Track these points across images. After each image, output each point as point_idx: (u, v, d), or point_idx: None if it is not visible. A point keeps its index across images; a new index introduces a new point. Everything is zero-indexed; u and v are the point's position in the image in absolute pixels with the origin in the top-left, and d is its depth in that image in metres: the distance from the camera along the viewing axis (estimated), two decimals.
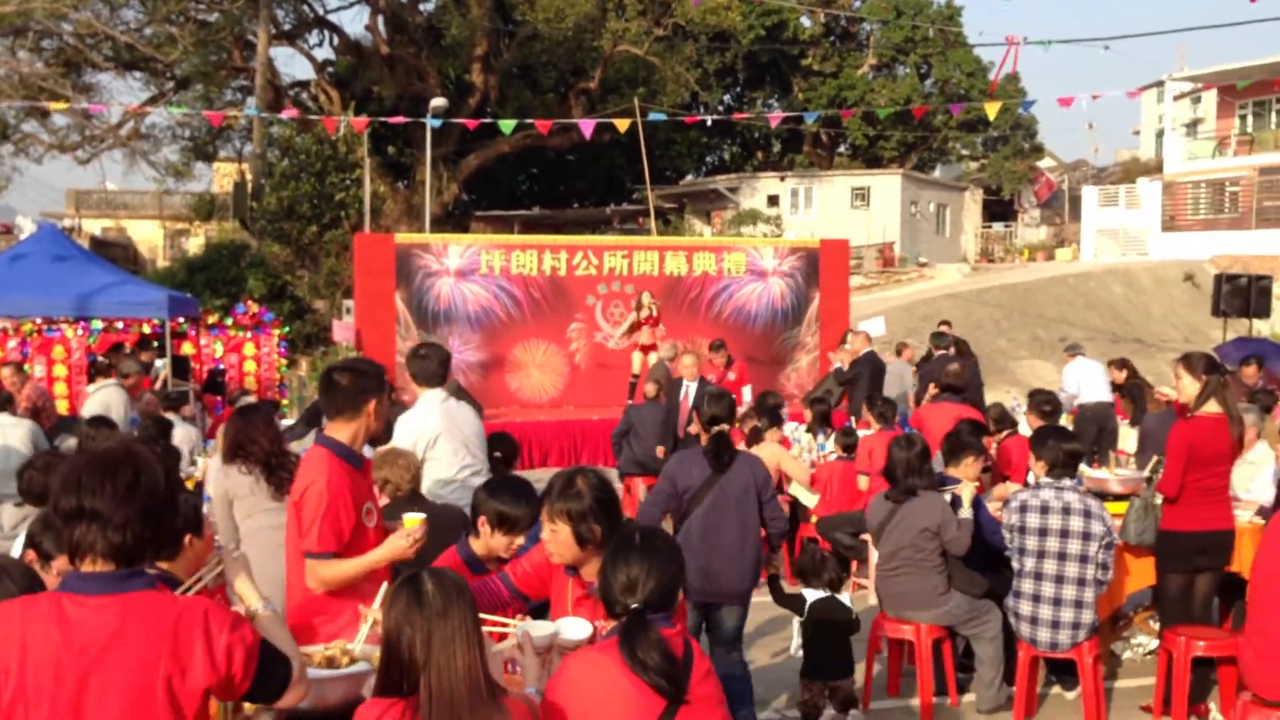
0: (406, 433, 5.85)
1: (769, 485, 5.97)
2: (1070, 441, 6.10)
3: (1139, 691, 6.53)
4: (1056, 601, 5.81)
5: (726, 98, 42.41)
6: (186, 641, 2.44)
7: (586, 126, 18.85)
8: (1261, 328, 20.53)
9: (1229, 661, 5.67)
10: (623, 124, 19.54)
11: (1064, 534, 5.78)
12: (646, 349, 15.68)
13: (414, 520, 4.05)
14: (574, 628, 3.42)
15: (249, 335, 16.64)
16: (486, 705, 2.61)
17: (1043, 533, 5.83)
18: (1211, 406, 6.14)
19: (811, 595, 6.07)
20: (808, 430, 11.16)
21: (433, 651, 2.58)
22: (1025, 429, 8.64)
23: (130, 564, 2.48)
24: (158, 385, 13.14)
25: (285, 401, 16.26)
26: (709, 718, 2.99)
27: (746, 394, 13.63)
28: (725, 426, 6.09)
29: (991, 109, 18.88)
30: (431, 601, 2.62)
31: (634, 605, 3.03)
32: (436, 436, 5.86)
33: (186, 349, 15.78)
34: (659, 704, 2.91)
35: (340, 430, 4.20)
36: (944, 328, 16.78)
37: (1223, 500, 6.20)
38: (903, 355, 16.14)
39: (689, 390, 11.38)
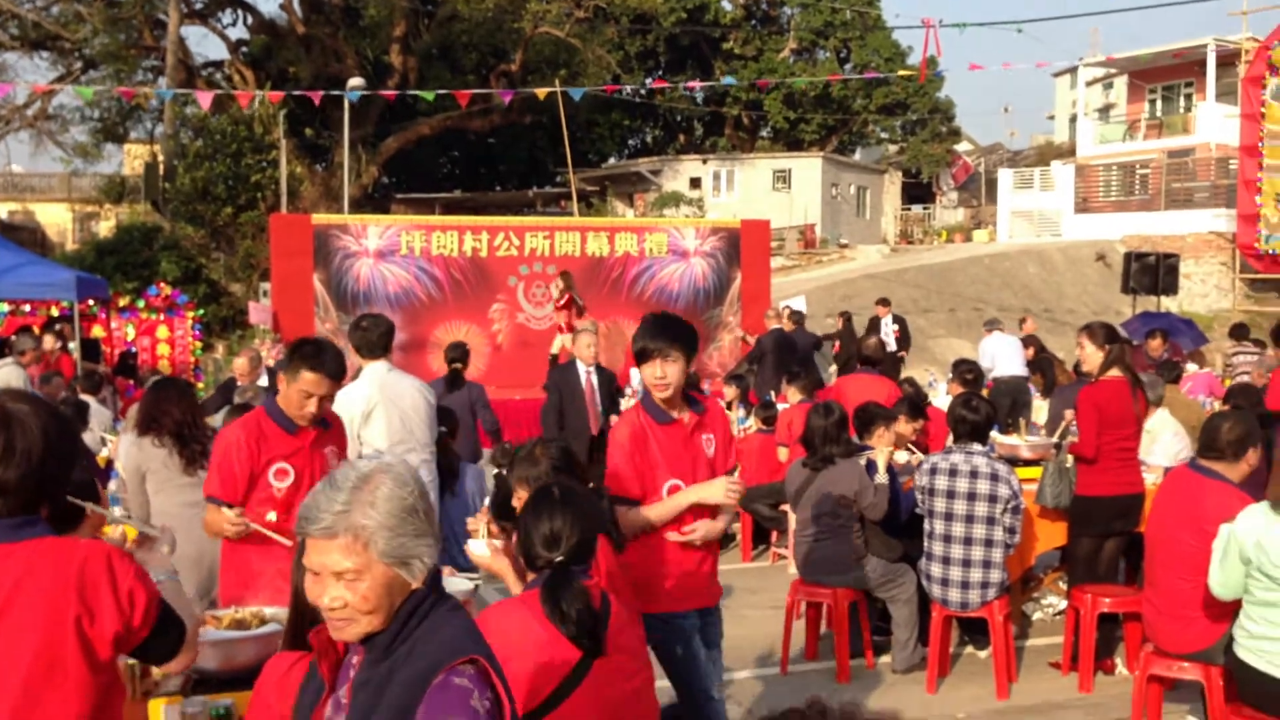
0: (342, 404, 5.76)
1: None
2: (976, 412, 6.21)
3: (1048, 649, 6.71)
4: (966, 563, 5.94)
5: (648, 80, 42.41)
6: (94, 584, 2.44)
7: (507, 96, 18.80)
8: (1169, 304, 21.08)
9: (1134, 618, 5.84)
10: (542, 92, 19.53)
11: (971, 497, 5.91)
12: (567, 328, 15.71)
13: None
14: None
15: (162, 318, 16.35)
16: None
17: (950, 495, 5.96)
18: (1114, 372, 6.32)
19: None
20: (728, 406, 11.26)
21: None
22: (945, 401, 8.78)
23: (25, 512, 2.45)
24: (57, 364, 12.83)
25: (201, 385, 16.00)
26: (625, 667, 3.03)
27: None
28: None
29: (905, 78, 19.21)
30: None
31: (558, 559, 3.05)
32: (373, 409, 5.79)
33: (97, 332, 15.44)
34: (575, 655, 2.94)
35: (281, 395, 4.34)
36: (880, 308, 17.43)
37: (1134, 465, 6.39)
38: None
39: (589, 376, 9.13)
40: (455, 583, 3.36)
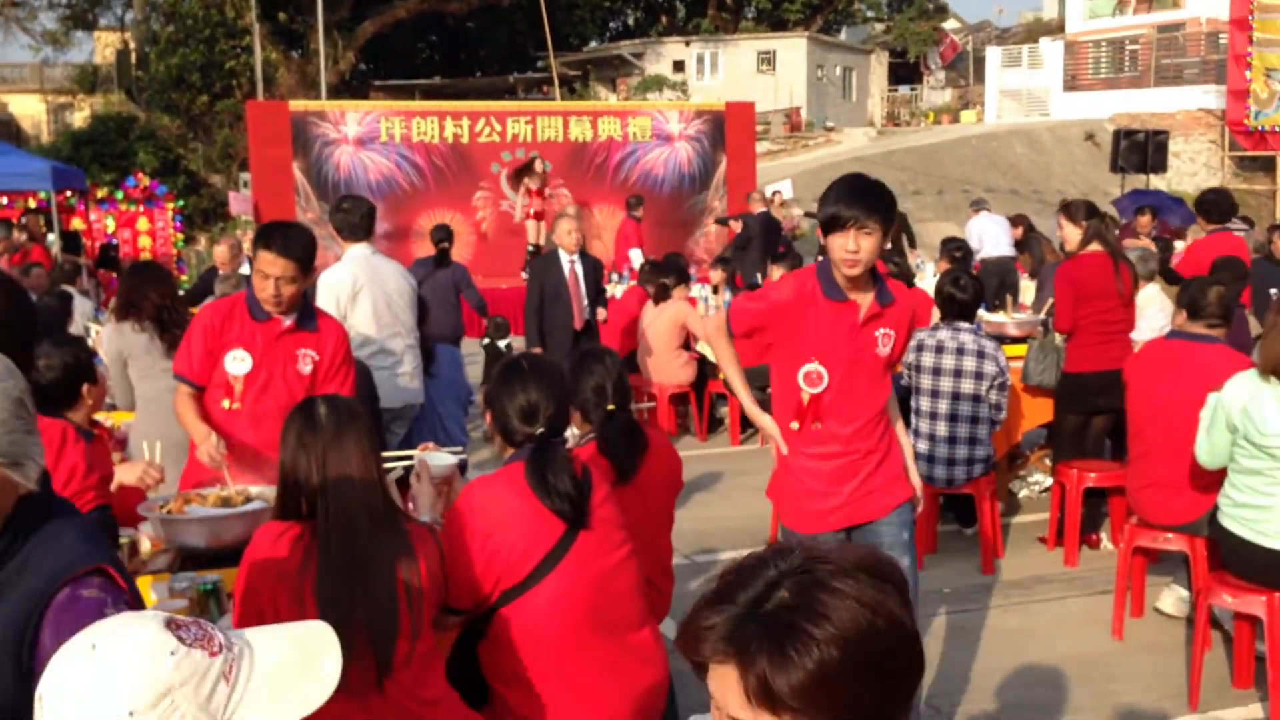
0: (326, 288, 5.63)
1: None
2: (964, 291, 6.16)
3: (1034, 525, 6.78)
4: (952, 439, 5.96)
5: None
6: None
7: None
8: (1158, 183, 20.93)
9: (1119, 493, 5.88)
10: None
11: (958, 373, 5.90)
12: (538, 216, 15.58)
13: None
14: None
15: (141, 210, 16.13)
16: (382, 528, 2.62)
17: (937, 372, 5.95)
18: (1094, 247, 6.26)
19: None
20: (714, 290, 11.20)
21: (328, 476, 2.58)
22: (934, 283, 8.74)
23: None
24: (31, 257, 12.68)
25: (184, 278, 15.85)
26: (609, 539, 3.03)
27: (636, 257, 13.71)
28: None
29: None
30: (325, 426, 2.61)
31: (538, 430, 3.03)
32: (358, 291, 5.69)
33: (76, 225, 15.24)
34: (559, 528, 2.93)
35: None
36: None
37: (1122, 341, 6.35)
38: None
39: (573, 266, 8.39)
40: (439, 457, 3.34)
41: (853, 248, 3.42)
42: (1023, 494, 7.53)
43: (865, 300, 3.58)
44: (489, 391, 3.13)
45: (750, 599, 1.29)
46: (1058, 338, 6.46)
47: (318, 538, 2.59)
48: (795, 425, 3.64)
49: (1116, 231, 12.73)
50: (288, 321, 4.14)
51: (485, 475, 3.04)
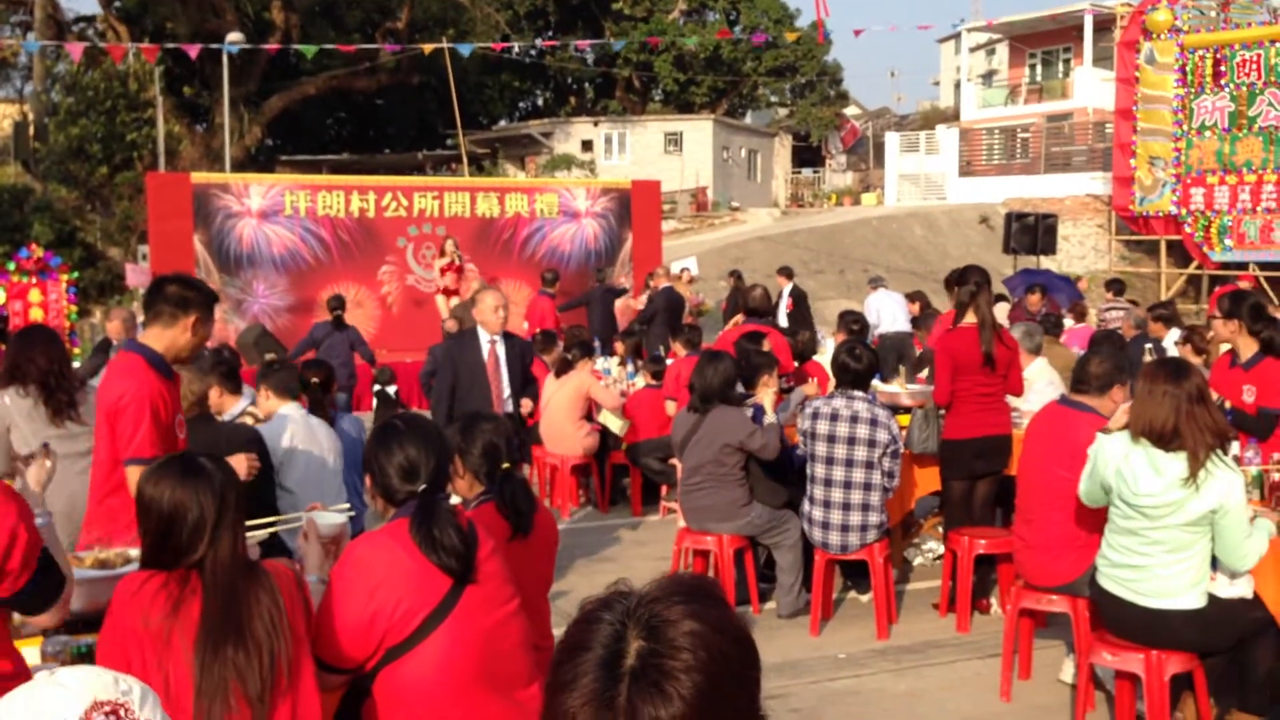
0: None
1: None
2: (859, 360, 6.29)
3: (928, 592, 6.89)
4: (846, 506, 6.05)
5: (538, 40, 42.08)
6: None
7: (392, 49, 18.50)
8: (1048, 264, 21.64)
9: (1008, 559, 6.02)
10: (429, 48, 19.28)
11: (851, 441, 6.02)
12: (450, 292, 15.58)
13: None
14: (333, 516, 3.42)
15: (34, 281, 15.77)
16: (254, 575, 2.64)
17: (831, 439, 6.06)
18: (970, 318, 6.44)
19: None
20: (620, 363, 11.28)
21: (219, 534, 2.59)
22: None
23: None
24: None
25: (78, 351, 15.49)
26: (497, 594, 3.03)
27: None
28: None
29: (794, 41, 19.31)
30: (216, 488, 2.62)
31: (421, 487, 3.03)
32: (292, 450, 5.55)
33: None
34: (445, 583, 2.93)
35: (155, 339, 4.10)
36: (780, 278, 16.36)
37: (997, 408, 6.52)
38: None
39: (494, 347, 7.51)
40: (327, 516, 3.32)
41: None
42: (917, 561, 7.66)
43: None
44: (366, 453, 3.14)
45: (605, 659, 1.36)
46: (938, 408, 6.63)
47: (187, 588, 2.59)
48: None
49: (1008, 307, 13.14)
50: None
51: (369, 531, 3.03)
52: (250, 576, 2.67)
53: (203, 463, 2.70)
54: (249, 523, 3.16)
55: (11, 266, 15.68)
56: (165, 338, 4.10)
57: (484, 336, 7.50)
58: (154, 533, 2.65)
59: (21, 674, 2.63)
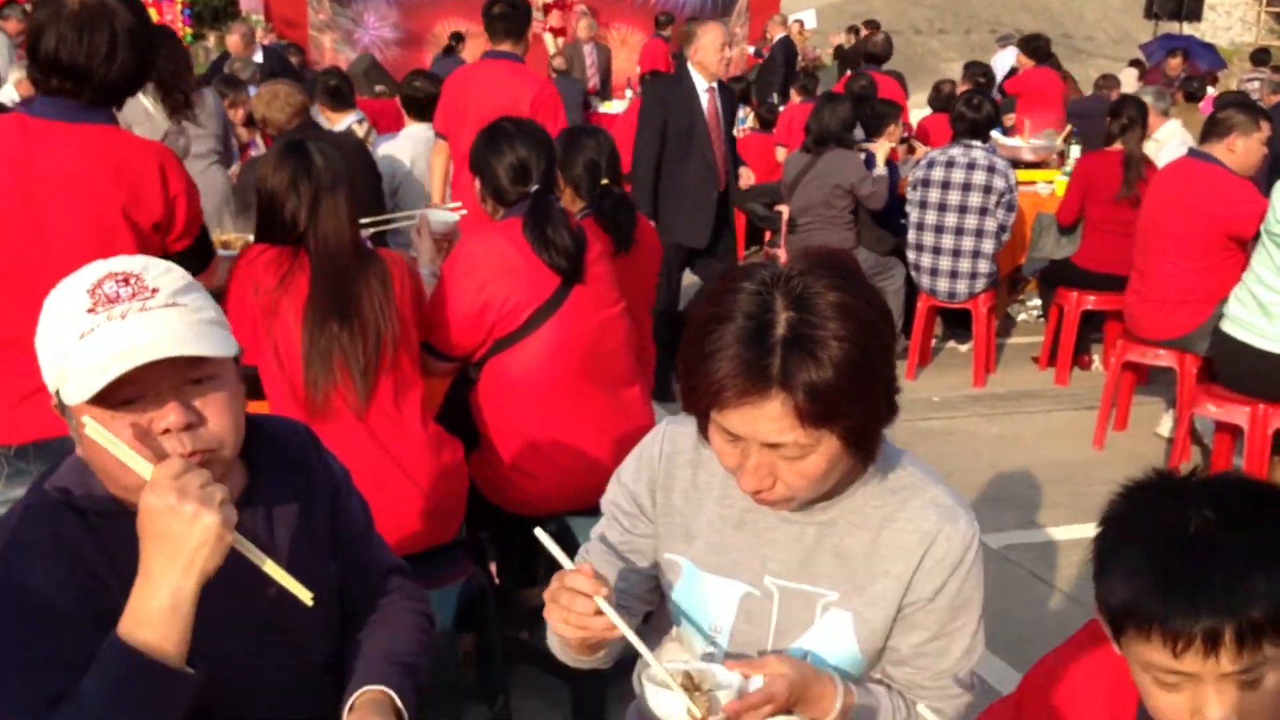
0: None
1: None
2: (977, 110, 6.05)
3: (1029, 347, 6.84)
4: (956, 253, 5.95)
5: None
6: (137, 176, 2.52)
7: None
8: (1190, 31, 20.37)
9: (1116, 317, 5.90)
10: None
11: (966, 187, 5.86)
12: (557, 32, 15.21)
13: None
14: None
15: (151, 2, 15.77)
16: (366, 260, 2.74)
17: (945, 186, 5.90)
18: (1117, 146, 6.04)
19: None
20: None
21: (317, 212, 2.67)
22: None
23: (102, 105, 2.53)
24: None
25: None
26: (603, 296, 3.07)
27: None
28: None
29: None
30: (316, 170, 2.69)
31: (533, 188, 3.05)
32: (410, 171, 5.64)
33: None
34: (554, 281, 2.98)
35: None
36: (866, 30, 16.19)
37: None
38: None
39: (713, 98, 5.85)
40: (440, 213, 3.38)
41: None
42: (1020, 318, 7.58)
43: None
44: (475, 155, 3.14)
45: (755, 329, 1.38)
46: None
47: (295, 264, 2.70)
48: None
49: (1143, 73, 12.48)
50: None
51: (482, 228, 3.07)
52: (362, 261, 2.73)
53: (308, 146, 2.75)
54: (363, 220, 3.21)
55: None
56: None
57: (700, 83, 5.82)
58: (262, 210, 2.75)
59: None
